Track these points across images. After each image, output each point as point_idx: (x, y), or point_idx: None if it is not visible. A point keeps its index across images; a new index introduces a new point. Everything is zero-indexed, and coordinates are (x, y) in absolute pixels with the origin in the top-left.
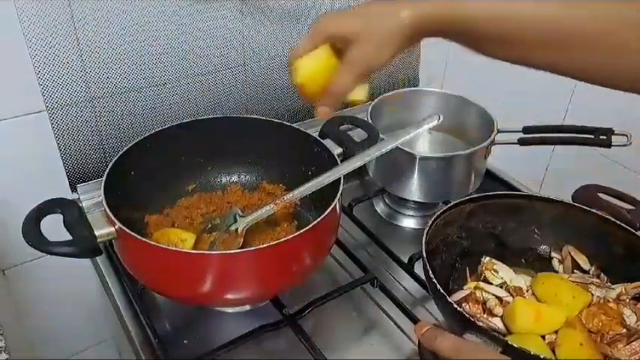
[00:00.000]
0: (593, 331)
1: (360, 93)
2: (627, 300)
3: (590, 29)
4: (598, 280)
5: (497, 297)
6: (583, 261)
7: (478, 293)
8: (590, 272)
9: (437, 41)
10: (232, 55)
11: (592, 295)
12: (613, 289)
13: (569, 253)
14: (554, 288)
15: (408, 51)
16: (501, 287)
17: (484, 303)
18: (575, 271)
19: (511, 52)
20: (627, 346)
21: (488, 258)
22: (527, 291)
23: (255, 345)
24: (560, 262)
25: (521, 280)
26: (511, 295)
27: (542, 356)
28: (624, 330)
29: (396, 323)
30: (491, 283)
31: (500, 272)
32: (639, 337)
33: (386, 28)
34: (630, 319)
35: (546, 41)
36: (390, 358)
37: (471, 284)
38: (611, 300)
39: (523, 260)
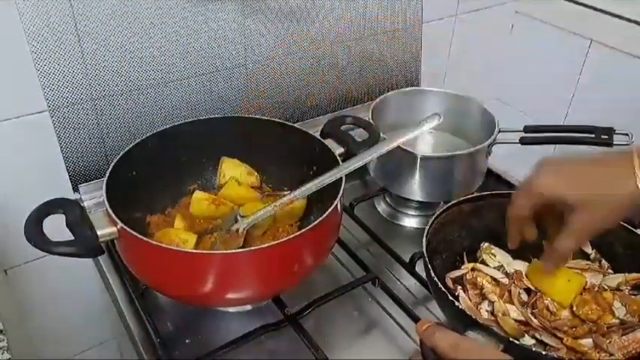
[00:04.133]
0: (582, 318)
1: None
2: (627, 290)
3: None
4: (597, 267)
5: (493, 279)
6: (586, 245)
7: (475, 274)
8: (591, 256)
9: (437, 41)
10: (233, 55)
11: (586, 281)
12: (614, 277)
13: None
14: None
15: None
16: (498, 270)
17: (481, 288)
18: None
19: None
20: (623, 337)
21: (487, 244)
22: (525, 276)
23: (257, 344)
24: None
25: (519, 265)
26: (507, 277)
27: (543, 353)
28: (614, 320)
29: (397, 323)
30: (488, 266)
31: (497, 256)
32: (633, 330)
33: (617, 197)
34: (619, 311)
35: None
36: (392, 358)
37: (468, 265)
38: (607, 288)
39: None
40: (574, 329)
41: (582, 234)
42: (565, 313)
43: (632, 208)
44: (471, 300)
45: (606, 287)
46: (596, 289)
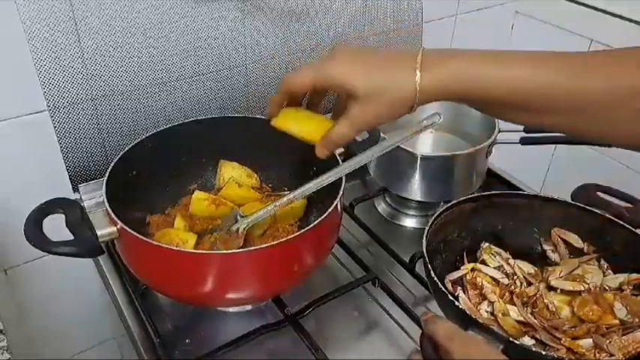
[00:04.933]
0: (583, 319)
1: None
2: (628, 290)
3: (602, 99)
4: (596, 266)
5: (493, 279)
6: (574, 240)
7: (475, 275)
8: (585, 250)
9: (437, 41)
10: (233, 54)
11: (587, 283)
12: (615, 277)
13: (559, 237)
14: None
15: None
16: (498, 270)
17: (481, 288)
18: (571, 256)
19: (525, 119)
20: (624, 337)
21: (487, 244)
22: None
23: (257, 344)
24: (554, 250)
25: (523, 265)
26: (507, 277)
27: (543, 353)
28: (615, 321)
29: (397, 323)
30: (488, 266)
31: (497, 257)
32: (633, 331)
33: (398, 95)
34: (620, 312)
35: (556, 109)
36: (392, 358)
37: (467, 266)
38: (608, 288)
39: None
40: (573, 329)
41: (357, 125)
42: (565, 313)
43: (409, 106)
44: (470, 300)
45: (607, 288)
46: (597, 289)
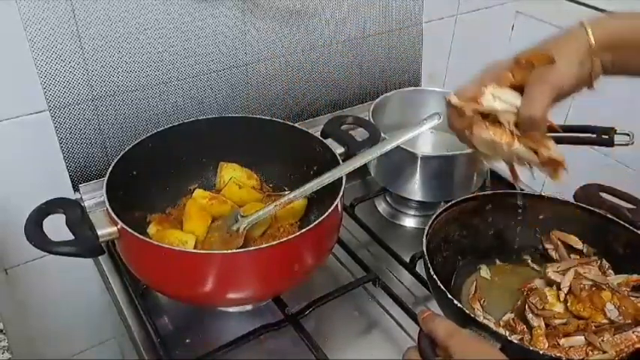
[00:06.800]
0: (575, 314)
1: None
2: (626, 291)
3: None
4: (596, 265)
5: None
6: (574, 242)
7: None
8: (584, 251)
9: (437, 41)
10: (234, 54)
11: (586, 279)
12: (615, 277)
13: (558, 239)
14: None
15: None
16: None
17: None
18: (571, 255)
19: None
20: (616, 336)
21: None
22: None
23: (257, 344)
24: (555, 250)
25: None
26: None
27: (540, 352)
28: (604, 320)
29: (397, 322)
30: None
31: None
32: (624, 331)
33: (575, 46)
34: (612, 313)
35: None
36: (392, 358)
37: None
38: (606, 287)
39: (524, 258)
40: (564, 326)
41: (549, 84)
42: (558, 309)
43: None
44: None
45: (604, 287)
46: (593, 288)
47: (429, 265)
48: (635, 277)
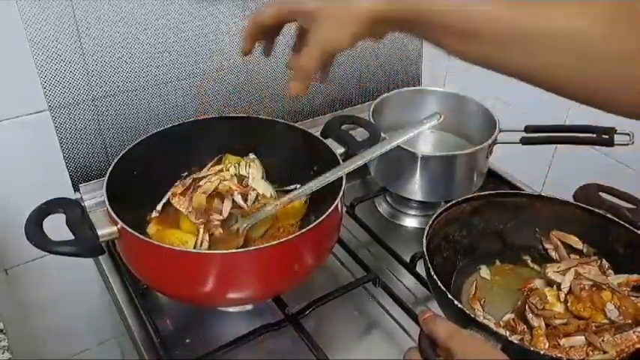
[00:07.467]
0: (575, 314)
1: None
2: (627, 291)
3: (555, 32)
4: (596, 265)
5: None
6: (574, 242)
7: None
8: (584, 251)
9: None
10: (233, 54)
11: (586, 279)
12: (615, 277)
13: (558, 239)
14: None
15: (376, 40)
16: None
17: None
18: (571, 255)
19: (470, 48)
20: (616, 336)
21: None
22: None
23: (257, 344)
24: (555, 250)
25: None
26: None
27: (541, 352)
28: (604, 320)
29: (398, 322)
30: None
31: None
32: (624, 331)
33: (347, 10)
34: (612, 313)
35: (502, 41)
36: (392, 358)
37: None
38: (606, 287)
39: (524, 258)
40: (564, 326)
41: (319, 47)
42: (558, 309)
43: (372, 26)
44: None
45: (605, 287)
46: (593, 288)
47: (429, 265)
48: (635, 277)
